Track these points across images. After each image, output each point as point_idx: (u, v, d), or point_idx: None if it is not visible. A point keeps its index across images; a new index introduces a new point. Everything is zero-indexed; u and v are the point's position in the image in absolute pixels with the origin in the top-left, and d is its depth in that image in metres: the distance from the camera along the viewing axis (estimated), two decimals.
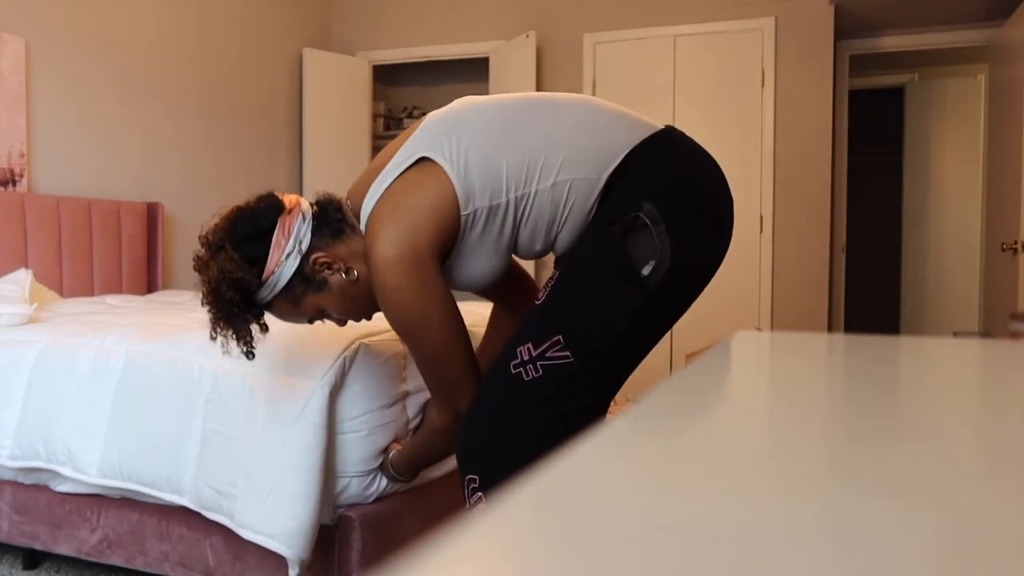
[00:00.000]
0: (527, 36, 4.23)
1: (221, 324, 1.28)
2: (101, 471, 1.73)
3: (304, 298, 1.30)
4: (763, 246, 4.09)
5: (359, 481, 1.58)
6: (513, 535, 0.24)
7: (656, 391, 0.46)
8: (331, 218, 1.32)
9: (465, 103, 1.28)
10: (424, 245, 1.18)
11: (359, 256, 1.30)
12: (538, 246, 1.28)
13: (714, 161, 1.28)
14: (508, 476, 1.17)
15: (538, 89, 4.45)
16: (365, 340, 1.64)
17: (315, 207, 1.33)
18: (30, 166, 3.00)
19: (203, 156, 3.90)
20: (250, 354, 1.32)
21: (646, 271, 1.15)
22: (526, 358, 1.19)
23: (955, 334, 4.95)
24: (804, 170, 4.05)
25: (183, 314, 2.24)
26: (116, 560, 1.80)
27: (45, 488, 1.87)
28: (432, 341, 1.23)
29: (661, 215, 1.16)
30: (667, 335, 4.32)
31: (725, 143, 4.09)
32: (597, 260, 1.20)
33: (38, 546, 1.90)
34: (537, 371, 1.18)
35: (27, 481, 1.87)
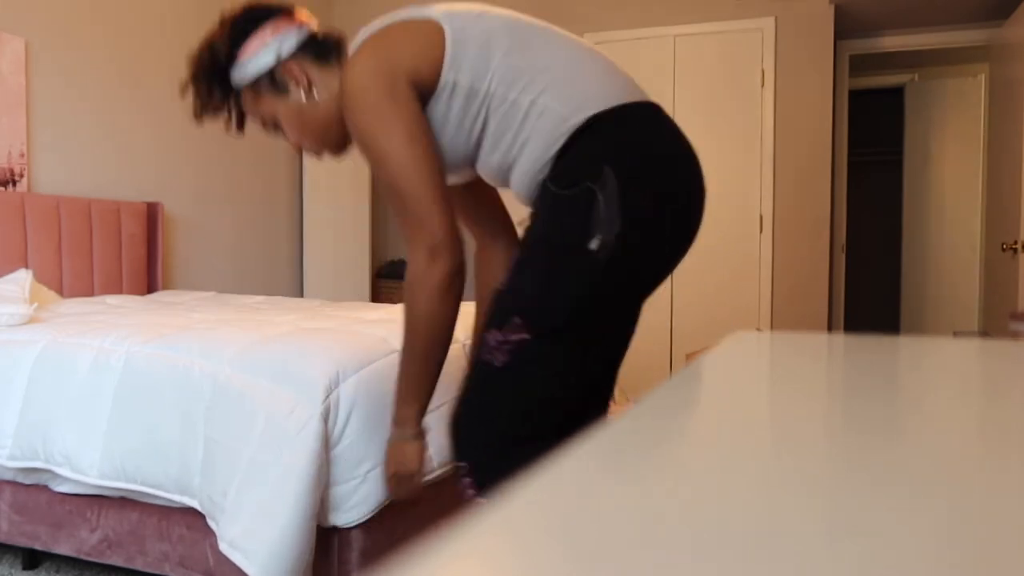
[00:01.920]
0: None
1: (193, 83, 1.37)
2: (102, 472, 1.72)
3: (263, 97, 1.36)
4: (763, 246, 4.09)
5: (353, 502, 1.56)
6: (513, 535, 0.24)
7: (656, 391, 0.46)
8: (324, 44, 1.37)
9: (487, 6, 1.30)
10: (401, 67, 1.20)
11: (332, 92, 1.34)
12: (495, 158, 1.27)
13: (691, 147, 1.26)
14: (493, 462, 1.19)
15: None
16: (369, 363, 1.63)
17: (318, 33, 1.39)
18: (30, 166, 3.00)
19: (203, 156, 3.90)
20: (236, 130, 1.42)
21: (594, 245, 1.14)
22: (493, 344, 1.19)
23: (955, 334, 4.95)
24: (804, 170, 4.05)
25: (184, 314, 2.24)
26: (116, 560, 1.80)
27: (45, 488, 1.87)
28: (397, 155, 1.19)
29: (620, 184, 1.14)
30: (667, 335, 4.34)
31: (725, 143, 4.09)
32: (548, 234, 1.19)
33: (38, 546, 1.90)
34: (504, 356, 1.17)
35: (27, 481, 1.87)
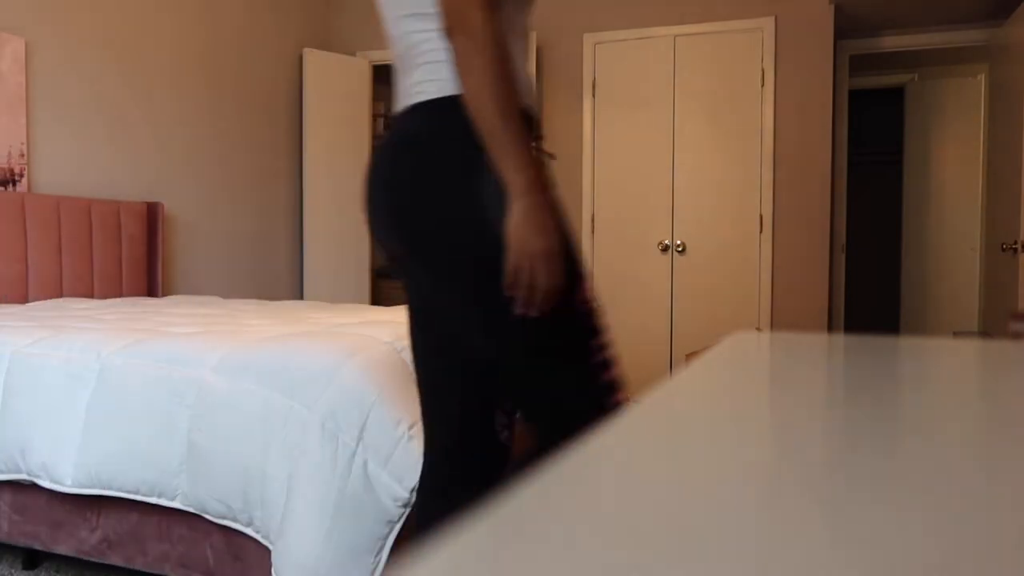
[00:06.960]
0: None
1: None
2: (76, 481, 1.72)
3: None
4: (763, 246, 4.09)
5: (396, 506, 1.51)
6: (513, 535, 0.24)
7: (656, 391, 0.46)
8: None
9: None
10: None
11: None
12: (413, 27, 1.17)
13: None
14: None
15: (538, 90, 4.45)
16: (359, 352, 1.62)
17: None
18: (30, 166, 3.00)
19: (203, 156, 3.90)
20: None
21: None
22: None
23: (955, 334, 4.95)
24: (804, 170, 4.05)
25: (157, 318, 2.24)
26: (116, 560, 1.80)
27: (45, 488, 1.87)
28: None
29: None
30: (667, 335, 4.34)
31: (725, 143, 4.09)
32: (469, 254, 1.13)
33: (38, 546, 1.90)
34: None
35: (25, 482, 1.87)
